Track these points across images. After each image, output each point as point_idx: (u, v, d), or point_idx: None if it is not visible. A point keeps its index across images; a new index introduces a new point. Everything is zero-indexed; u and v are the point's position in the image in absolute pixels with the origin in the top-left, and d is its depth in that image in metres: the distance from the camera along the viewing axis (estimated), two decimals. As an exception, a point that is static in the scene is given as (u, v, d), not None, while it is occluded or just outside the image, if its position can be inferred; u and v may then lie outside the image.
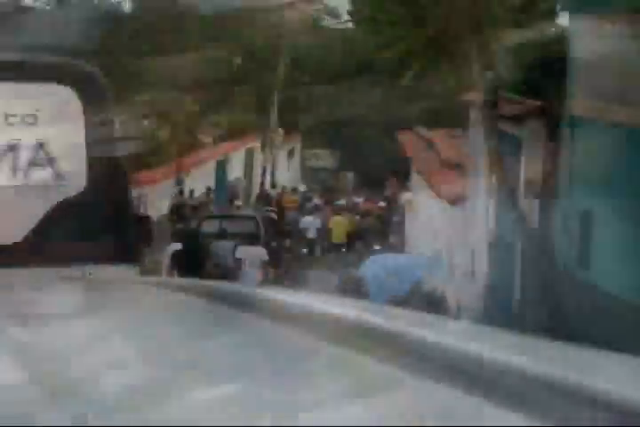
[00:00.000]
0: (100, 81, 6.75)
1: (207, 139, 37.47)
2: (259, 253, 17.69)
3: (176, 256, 14.46)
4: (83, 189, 6.44)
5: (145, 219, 15.08)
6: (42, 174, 6.40)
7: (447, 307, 12.10)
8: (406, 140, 20.83)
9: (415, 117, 36.10)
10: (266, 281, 17.72)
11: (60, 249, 6.27)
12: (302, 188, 37.96)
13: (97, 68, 7.12)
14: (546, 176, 9.14)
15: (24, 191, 6.44)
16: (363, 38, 43.93)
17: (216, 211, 26.56)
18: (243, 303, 1.55)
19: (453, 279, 14.11)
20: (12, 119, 6.37)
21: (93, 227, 6.50)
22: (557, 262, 7.43)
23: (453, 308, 12.68)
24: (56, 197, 6.41)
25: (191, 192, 29.74)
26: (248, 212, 25.46)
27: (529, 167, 9.34)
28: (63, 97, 6.40)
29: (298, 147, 47.07)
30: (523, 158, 9.60)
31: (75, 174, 6.40)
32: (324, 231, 24.71)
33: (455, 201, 13.84)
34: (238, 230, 21.54)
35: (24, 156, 6.41)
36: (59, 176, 6.44)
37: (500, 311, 10.06)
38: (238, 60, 38.06)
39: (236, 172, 38.39)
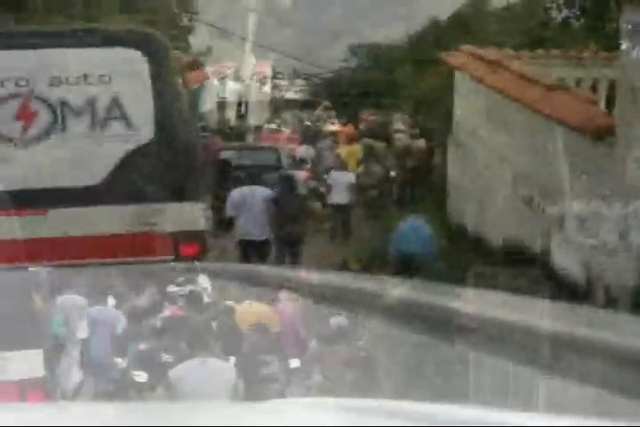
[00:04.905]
0: (163, 43, 8.10)
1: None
2: (347, 177, 17.60)
3: (273, 201, 13.93)
4: (151, 138, 7.65)
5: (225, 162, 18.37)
6: (116, 126, 7.51)
7: None
8: (460, 61, 17.57)
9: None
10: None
11: (133, 189, 7.66)
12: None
13: (160, 32, 8.72)
14: None
15: (102, 140, 7.62)
16: None
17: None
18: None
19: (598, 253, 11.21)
20: (90, 79, 7.68)
21: (161, 171, 7.76)
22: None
23: (600, 296, 10.44)
24: (129, 146, 7.64)
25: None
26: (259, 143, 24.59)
27: None
28: (132, 59, 7.72)
29: (269, 76, 45.25)
30: None
31: (144, 126, 7.60)
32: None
33: (599, 133, 10.91)
34: (260, 162, 20.07)
35: (101, 110, 7.67)
36: (131, 127, 7.56)
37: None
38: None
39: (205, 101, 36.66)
